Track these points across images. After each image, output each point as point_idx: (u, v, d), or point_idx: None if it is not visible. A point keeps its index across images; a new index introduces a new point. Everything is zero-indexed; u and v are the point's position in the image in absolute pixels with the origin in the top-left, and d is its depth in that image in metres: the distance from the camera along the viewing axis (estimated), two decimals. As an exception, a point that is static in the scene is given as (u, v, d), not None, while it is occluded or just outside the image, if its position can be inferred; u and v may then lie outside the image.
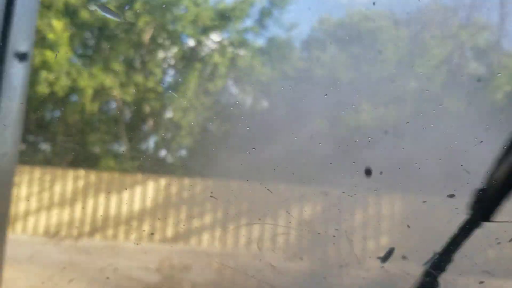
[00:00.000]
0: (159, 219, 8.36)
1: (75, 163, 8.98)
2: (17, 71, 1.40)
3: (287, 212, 6.02)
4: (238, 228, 7.29)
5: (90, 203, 8.35)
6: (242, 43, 9.49)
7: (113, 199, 8.38)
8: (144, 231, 8.16)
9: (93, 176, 8.56)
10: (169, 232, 8.22)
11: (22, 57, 1.38)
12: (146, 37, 9.33)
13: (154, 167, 8.88)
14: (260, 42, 10.20)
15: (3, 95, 1.34)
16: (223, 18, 9.34)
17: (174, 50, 9.45)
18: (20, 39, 1.37)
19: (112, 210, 8.33)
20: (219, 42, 9.41)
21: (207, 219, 8.08)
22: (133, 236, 8.23)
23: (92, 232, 8.21)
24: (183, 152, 9.40)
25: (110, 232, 8.22)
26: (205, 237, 8.03)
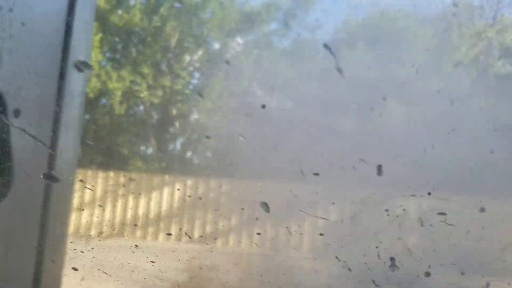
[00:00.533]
0: (185, 220, 8.48)
1: (104, 165, 9.19)
2: (76, 80, 1.50)
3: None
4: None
5: (119, 203, 8.54)
6: (267, 45, 9.54)
7: (141, 199, 8.55)
8: (172, 233, 8.31)
9: (121, 177, 8.75)
10: (196, 231, 8.35)
11: (81, 66, 1.48)
12: (173, 40, 9.49)
13: (181, 168, 9.02)
14: (285, 43, 10.24)
15: (65, 102, 1.43)
16: (249, 20, 9.41)
17: (200, 53, 9.58)
18: (78, 50, 1.47)
19: (141, 210, 8.51)
20: (244, 44, 9.48)
21: (234, 219, 8.16)
22: (161, 236, 8.38)
23: (121, 231, 8.39)
24: (209, 153, 9.52)
25: (138, 231, 8.39)
26: (232, 237, 8.11)
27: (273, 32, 10.01)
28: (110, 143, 9.14)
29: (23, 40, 1.22)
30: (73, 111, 1.45)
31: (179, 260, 6.70)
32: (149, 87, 9.49)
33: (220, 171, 8.33)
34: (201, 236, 8.22)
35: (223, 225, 8.13)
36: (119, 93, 9.24)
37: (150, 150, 9.94)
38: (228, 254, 7.51)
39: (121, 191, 8.56)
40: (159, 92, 9.45)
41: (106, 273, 5.05)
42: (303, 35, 10.36)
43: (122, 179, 8.63)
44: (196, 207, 8.41)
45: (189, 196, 8.40)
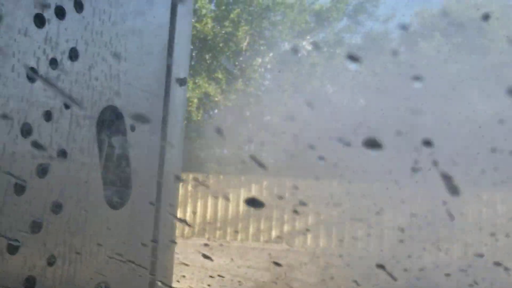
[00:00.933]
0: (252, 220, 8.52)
1: (184, 167, 9.54)
2: (178, 95, 1.60)
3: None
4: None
5: (198, 204, 8.83)
6: (338, 42, 9.33)
7: (219, 200, 8.77)
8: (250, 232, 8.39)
9: (200, 179, 9.04)
10: (274, 232, 8.38)
11: (181, 82, 1.58)
12: (244, 44, 9.64)
13: (255, 169, 9.12)
14: (356, 38, 9.94)
15: (170, 115, 1.52)
16: (319, 19, 9.28)
17: (271, 54, 9.63)
18: (179, 67, 1.57)
19: (220, 211, 8.72)
20: (315, 43, 9.37)
21: (310, 219, 8.06)
22: (239, 236, 8.53)
23: (201, 232, 8.66)
24: (283, 154, 9.52)
25: (217, 232, 8.60)
26: (308, 236, 8.04)
27: (344, 29, 9.77)
28: (189, 147, 9.50)
29: (135, 62, 1.34)
30: (177, 121, 1.55)
31: (259, 259, 6.76)
32: (222, 91, 9.72)
33: (295, 172, 8.26)
34: (277, 236, 8.21)
35: (299, 225, 8.06)
36: (195, 100, 9.58)
37: (225, 152, 10.17)
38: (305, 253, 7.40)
39: (199, 193, 8.83)
40: (233, 96, 9.65)
41: (187, 265, 5.19)
42: (375, 29, 10.00)
43: (200, 181, 8.90)
44: (271, 207, 8.43)
45: (265, 196, 8.44)
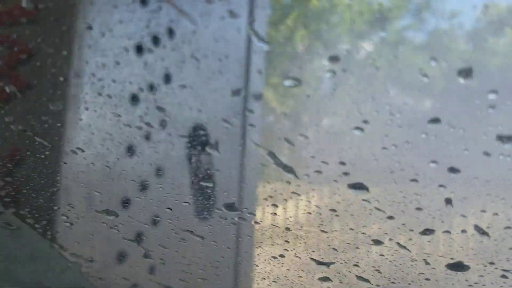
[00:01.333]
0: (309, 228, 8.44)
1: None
2: (255, 109, 1.70)
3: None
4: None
5: (257, 212, 8.92)
6: (401, 41, 9.02)
7: (278, 208, 8.81)
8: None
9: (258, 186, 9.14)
10: (336, 242, 8.26)
11: (258, 97, 1.69)
12: (301, 47, 9.61)
13: (315, 176, 9.05)
14: (420, 37, 9.51)
15: (247, 129, 1.61)
16: (379, 18, 9.03)
17: (330, 57, 9.52)
18: (255, 83, 1.67)
19: (278, 219, 8.76)
20: (376, 44, 9.15)
21: (374, 228, 7.87)
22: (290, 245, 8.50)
23: (258, 241, 8.74)
24: (342, 160, 9.37)
25: (276, 240, 8.65)
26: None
27: (406, 27, 9.47)
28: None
29: (218, 81, 1.45)
30: (255, 133, 1.64)
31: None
32: (279, 96, 9.77)
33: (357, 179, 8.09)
34: (339, 246, 8.03)
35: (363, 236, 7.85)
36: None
37: (283, 159, 10.20)
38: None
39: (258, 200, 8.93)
40: (290, 101, 9.67)
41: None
42: (440, 26, 9.59)
43: (260, 188, 8.98)
44: (332, 216, 8.30)
45: (327, 204, 8.34)
